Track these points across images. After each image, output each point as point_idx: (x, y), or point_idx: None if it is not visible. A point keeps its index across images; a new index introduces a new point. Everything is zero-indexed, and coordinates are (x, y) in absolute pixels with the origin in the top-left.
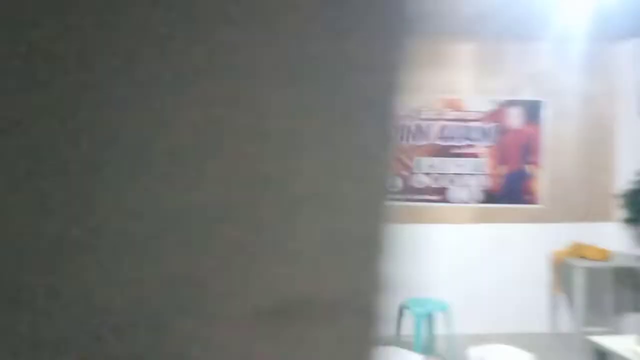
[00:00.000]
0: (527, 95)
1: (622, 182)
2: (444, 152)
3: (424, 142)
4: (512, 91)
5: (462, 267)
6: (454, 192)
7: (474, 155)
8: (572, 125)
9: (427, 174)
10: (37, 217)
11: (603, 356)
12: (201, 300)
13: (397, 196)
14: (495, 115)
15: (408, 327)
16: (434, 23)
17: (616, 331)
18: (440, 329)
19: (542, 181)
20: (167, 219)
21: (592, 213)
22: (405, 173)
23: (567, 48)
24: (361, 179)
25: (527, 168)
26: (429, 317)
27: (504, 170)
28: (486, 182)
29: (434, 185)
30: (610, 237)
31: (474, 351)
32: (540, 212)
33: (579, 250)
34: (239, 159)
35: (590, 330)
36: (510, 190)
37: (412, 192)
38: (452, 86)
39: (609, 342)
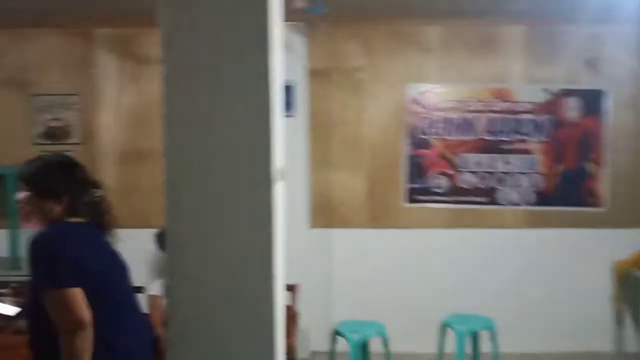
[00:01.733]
0: (586, 84)
1: None
2: (493, 148)
3: (470, 137)
4: (568, 80)
5: (512, 277)
6: (504, 193)
7: (526, 152)
8: (638, 117)
9: (474, 172)
10: None
11: None
12: None
13: (442, 197)
14: (550, 106)
15: (451, 346)
16: (479, 4)
17: None
18: (485, 347)
19: (604, 181)
20: None
21: None
22: (449, 172)
23: (632, 31)
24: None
25: (587, 166)
26: (473, 335)
27: (560, 168)
28: (540, 182)
29: (482, 186)
30: None
31: None
32: (602, 216)
33: None
34: None
35: None
36: (567, 191)
37: (457, 193)
38: (501, 74)
39: None
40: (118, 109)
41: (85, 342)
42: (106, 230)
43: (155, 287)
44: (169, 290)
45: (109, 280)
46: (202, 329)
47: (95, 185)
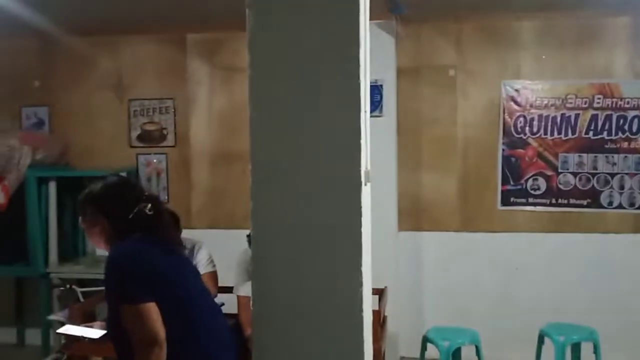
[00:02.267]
0: None
1: None
2: (595, 147)
3: (570, 136)
4: None
5: (616, 285)
6: (608, 195)
7: (633, 151)
8: None
9: (575, 173)
10: None
11: None
12: None
13: (539, 200)
14: None
15: (549, 356)
16: None
17: None
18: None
19: None
20: None
21: None
22: (548, 173)
23: None
24: None
25: None
26: (574, 346)
27: None
28: None
29: (583, 187)
30: None
31: None
32: None
33: None
34: None
35: None
36: None
37: (556, 195)
38: (603, 69)
39: None
40: (209, 112)
41: (159, 359)
42: (166, 242)
43: (245, 288)
44: (255, 291)
45: (180, 289)
46: (288, 330)
47: (149, 200)
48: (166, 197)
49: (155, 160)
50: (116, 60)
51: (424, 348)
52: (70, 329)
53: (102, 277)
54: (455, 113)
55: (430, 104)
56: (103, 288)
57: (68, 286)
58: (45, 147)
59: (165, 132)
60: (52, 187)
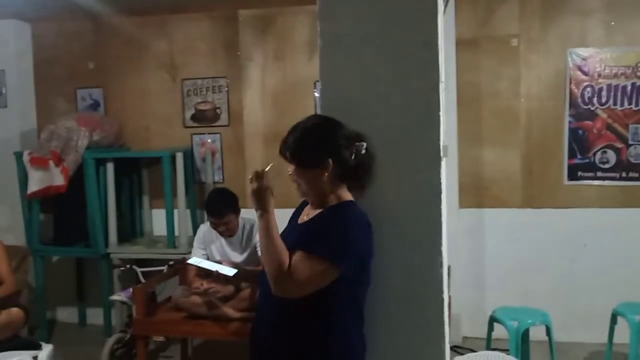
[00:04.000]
0: None
1: None
2: None
3: None
4: None
5: None
6: None
7: None
8: None
9: None
10: None
11: None
12: None
13: (609, 174)
14: None
15: (623, 336)
16: None
17: None
18: None
19: None
20: None
21: None
22: (618, 145)
23: None
24: None
25: None
26: None
27: None
28: None
29: None
30: None
31: None
32: None
33: None
34: None
35: None
36: None
37: (627, 168)
38: None
39: None
40: (262, 90)
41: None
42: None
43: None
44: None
45: (368, 275)
46: (370, 315)
47: (359, 138)
48: (221, 177)
49: (209, 140)
50: (168, 39)
51: (490, 328)
52: (202, 262)
53: (159, 257)
54: (518, 84)
55: (491, 76)
56: (162, 268)
57: (128, 266)
58: (102, 129)
59: (218, 111)
60: (110, 168)
